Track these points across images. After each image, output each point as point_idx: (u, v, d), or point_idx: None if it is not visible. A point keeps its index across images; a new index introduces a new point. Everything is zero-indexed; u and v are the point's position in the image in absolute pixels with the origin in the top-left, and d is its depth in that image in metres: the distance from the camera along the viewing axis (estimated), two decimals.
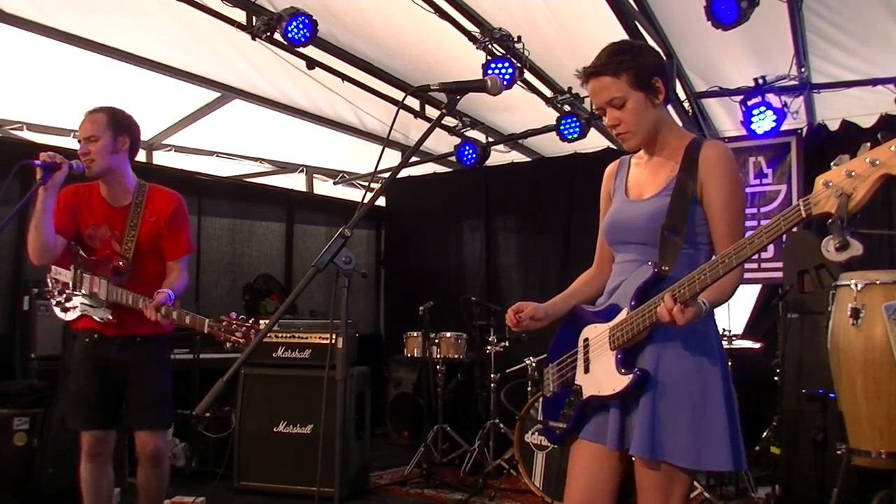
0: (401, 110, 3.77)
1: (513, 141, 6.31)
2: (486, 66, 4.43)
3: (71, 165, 2.76)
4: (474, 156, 6.10)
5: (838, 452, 3.22)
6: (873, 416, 3.07)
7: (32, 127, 5.41)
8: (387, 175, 6.00)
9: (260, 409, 4.58)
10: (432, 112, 5.58)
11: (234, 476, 4.53)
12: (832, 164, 1.49)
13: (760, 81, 4.72)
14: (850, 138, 4.93)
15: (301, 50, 4.49)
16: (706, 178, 1.88)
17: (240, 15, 4.25)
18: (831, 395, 3.37)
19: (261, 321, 2.81)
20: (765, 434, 4.58)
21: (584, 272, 2.24)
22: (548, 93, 5.25)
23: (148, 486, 2.97)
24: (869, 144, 1.46)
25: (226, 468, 4.63)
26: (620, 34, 3.95)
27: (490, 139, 6.28)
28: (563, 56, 4.72)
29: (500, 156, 6.52)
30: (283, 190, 7.11)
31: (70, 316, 3.01)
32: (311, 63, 4.68)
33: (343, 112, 5.90)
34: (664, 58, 2.15)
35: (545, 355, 2.17)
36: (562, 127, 5.39)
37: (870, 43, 4.35)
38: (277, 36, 4.23)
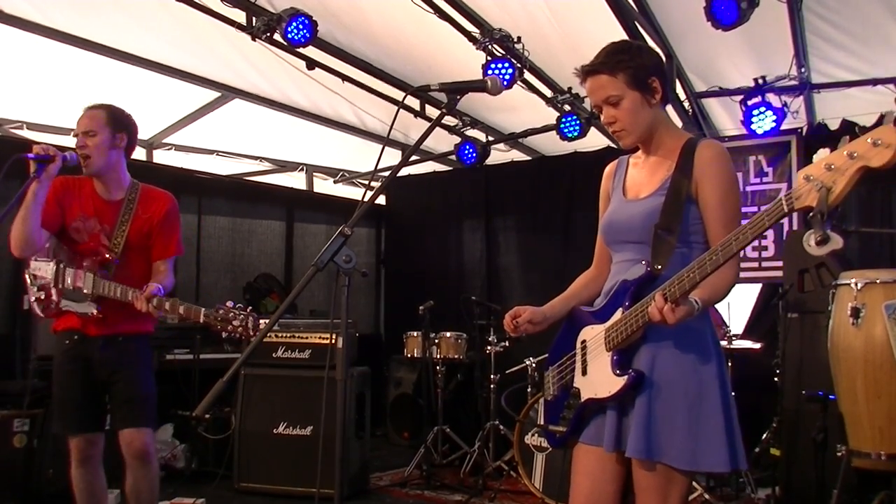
0: (401, 110, 3.77)
1: (513, 140, 6.31)
2: (485, 67, 4.43)
3: (65, 157, 2.72)
4: (474, 155, 6.10)
5: (838, 454, 3.22)
6: (873, 416, 3.06)
7: (32, 126, 5.42)
8: (387, 174, 6.02)
9: (260, 410, 4.57)
10: (432, 112, 5.58)
11: (234, 477, 4.53)
12: (814, 157, 1.50)
13: (760, 81, 4.72)
14: (850, 138, 4.92)
15: (301, 50, 4.48)
16: (701, 177, 1.88)
17: (240, 15, 4.25)
18: (831, 396, 3.36)
19: (261, 320, 2.77)
20: (765, 435, 4.58)
21: (583, 273, 2.24)
22: (548, 93, 5.25)
23: (138, 489, 2.87)
24: (848, 137, 1.47)
25: (226, 469, 4.63)
26: (620, 34, 3.95)
27: (490, 138, 6.28)
28: (563, 56, 4.71)
29: (500, 155, 6.52)
30: (283, 189, 7.10)
31: (52, 314, 2.94)
32: (311, 63, 4.68)
33: (343, 112, 5.90)
34: (663, 58, 2.15)
35: (545, 356, 2.17)
36: (562, 126, 5.39)
37: (870, 43, 4.35)
38: (277, 36, 4.23)
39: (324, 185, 7.57)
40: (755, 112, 4.78)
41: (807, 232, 1.47)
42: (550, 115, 5.47)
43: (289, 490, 4.38)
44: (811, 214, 1.46)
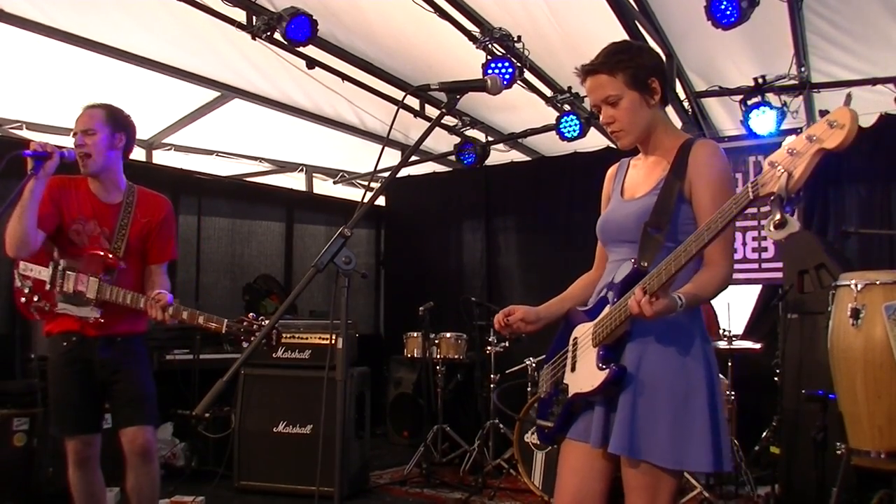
0: (401, 110, 3.77)
1: (513, 140, 6.31)
2: (486, 66, 4.43)
3: (62, 154, 2.69)
4: (474, 155, 6.10)
5: (838, 452, 3.22)
6: (873, 415, 3.07)
7: (32, 126, 5.41)
8: (387, 174, 6.01)
9: (260, 410, 4.57)
10: (432, 112, 5.58)
11: (234, 476, 4.53)
12: (782, 142, 1.50)
13: (760, 81, 4.72)
14: None
15: (301, 50, 4.49)
16: (695, 176, 1.89)
17: (240, 15, 4.25)
18: (831, 395, 3.37)
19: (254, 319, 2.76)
20: (765, 434, 4.59)
21: (584, 275, 2.25)
22: (548, 92, 5.25)
23: (139, 488, 2.86)
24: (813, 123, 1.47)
25: (226, 468, 4.63)
26: (620, 34, 3.95)
27: (490, 138, 6.28)
28: (563, 56, 4.71)
29: (499, 155, 6.52)
30: (282, 189, 7.11)
31: (43, 316, 2.90)
32: (311, 63, 4.68)
33: (343, 112, 5.90)
34: (663, 59, 2.15)
35: (545, 356, 2.17)
36: (561, 126, 5.38)
37: (870, 42, 4.35)
38: (277, 35, 4.23)
39: (323, 186, 7.57)
40: (755, 112, 4.78)
41: (768, 218, 1.48)
42: (550, 115, 5.47)
43: (289, 489, 4.38)
44: (772, 198, 1.46)
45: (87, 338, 2.86)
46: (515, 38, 4.48)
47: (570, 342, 2.02)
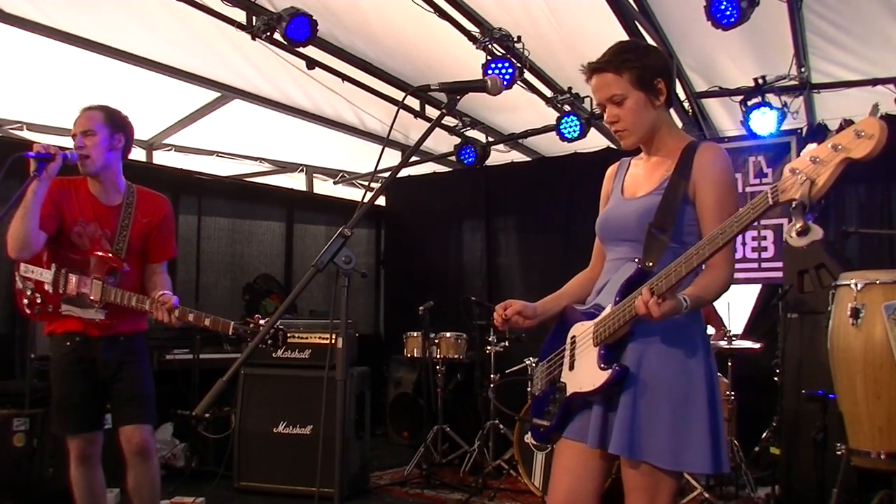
0: (401, 110, 3.77)
1: (513, 141, 6.31)
2: (486, 66, 4.43)
3: (65, 156, 2.70)
4: (474, 155, 6.10)
5: (838, 453, 3.22)
6: (873, 416, 3.06)
7: (32, 127, 5.41)
8: (387, 175, 6.01)
9: (260, 410, 4.57)
10: (432, 112, 5.58)
11: (234, 476, 4.53)
12: (802, 151, 1.51)
13: (760, 81, 4.72)
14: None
15: (301, 50, 4.49)
16: (700, 178, 1.89)
17: (240, 15, 4.25)
18: (831, 395, 3.37)
19: (261, 321, 2.79)
20: (765, 434, 4.58)
21: (580, 273, 2.25)
22: (548, 93, 5.25)
23: (139, 486, 2.88)
24: (835, 130, 1.47)
25: (226, 468, 4.63)
26: (620, 34, 3.96)
27: (490, 139, 6.28)
28: (563, 56, 4.72)
29: (500, 155, 6.52)
30: (283, 189, 7.11)
31: (46, 318, 2.92)
32: (311, 63, 4.68)
33: (343, 112, 5.90)
34: (670, 61, 2.16)
35: (539, 354, 2.17)
36: (561, 126, 5.39)
37: (870, 42, 4.35)
38: (277, 36, 4.23)
39: (323, 186, 7.57)
40: (755, 112, 4.78)
41: (789, 224, 1.48)
42: (550, 116, 5.47)
43: (288, 489, 4.38)
44: (793, 206, 1.47)
45: (90, 338, 2.88)
46: (515, 39, 4.48)
47: (568, 341, 2.02)
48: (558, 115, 5.39)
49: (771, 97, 4.75)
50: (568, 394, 1.95)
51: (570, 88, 5.19)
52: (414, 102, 5.55)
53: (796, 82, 4.67)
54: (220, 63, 5.06)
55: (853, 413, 3.16)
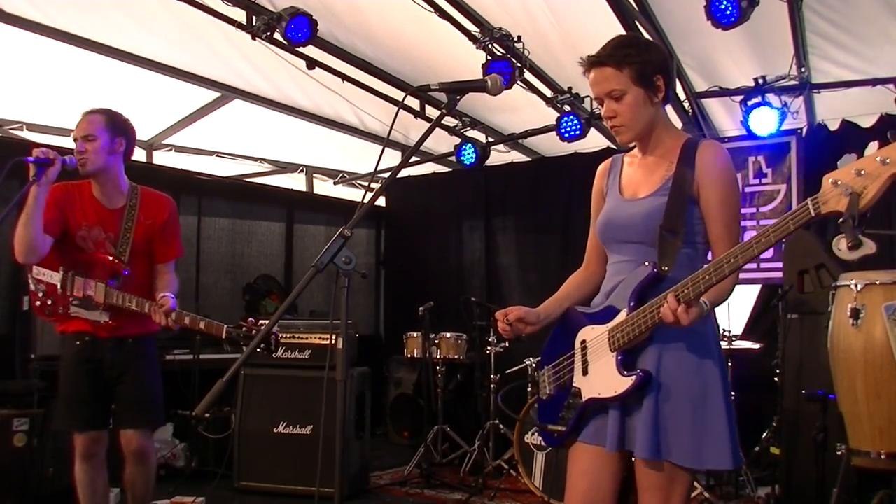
0: (401, 110, 3.77)
1: (513, 141, 6.31)
2: (486, 67, 4.43)
3: (64, 161, 2.73)
4: (474, 156, 6.10)
5: (838, 453, 3.22)
6: (873, 416, 3.06)
7: (32, 127, 5.42)
8: (387, 175, 6.00)
9: (260, 410, 4.57)
10: (432, 112, 5.57)
11: (234, 476, 4.53)
12: (838, 162, 1.50)
13: (760, 81, 4.71)
14: (850, 138, 4.92)
15: (301, 50, 4.49)
16: (703, 177, 1.88)
17: (240, 15, 4.25)
18: (831, 396, 3.37)
19: (261, 321, 2.82)
20: (765, 434, 4.58)
21: (574, 274, 2.23)
22: (548, 93, 5.25)
23: (134, 483, 2.97)
24: (877, 143, 1.47)
25: (226, 468, 4.63)
26: (620, 33, 3.95)
27: (490, 139, 6.28)
28: (563, 56, 4.71)
29: (500, 156, 6.52)
30: (283, 190, 7.10)
31: (57, 318, 2.97)
32: (311, 63, 4.68)
33: (343, 112, 5.90)
34: (670, 58, 2.15)
35: (541, 356, 2.16)
36: (561, 126, 5.37)
37: (870, 42, 4.35)
38: (277, 36, 4.23)
39: (324, 187, 7.57)
40: (755, 112, 4.78)
41: (837, 236, 1.47)
42: (550, 116, 5.46)
43: (289, 489, 4.38)
44: (842, 220, 1.45)
45: (99, 339, 2.93)
46: (515, 39, 4.48)
47: (578, 345, 2.00)
48: (558, 115, 5.39)
49: (771, 97, 4.75)
50: (584, 399, 1.94)
51: (570, 88, 5.19)
52: (414, 102, 5.55)
53: (796, 82, 4.66)
54: (220, 63, 5.06)
55: (853, 413, 3.16)
